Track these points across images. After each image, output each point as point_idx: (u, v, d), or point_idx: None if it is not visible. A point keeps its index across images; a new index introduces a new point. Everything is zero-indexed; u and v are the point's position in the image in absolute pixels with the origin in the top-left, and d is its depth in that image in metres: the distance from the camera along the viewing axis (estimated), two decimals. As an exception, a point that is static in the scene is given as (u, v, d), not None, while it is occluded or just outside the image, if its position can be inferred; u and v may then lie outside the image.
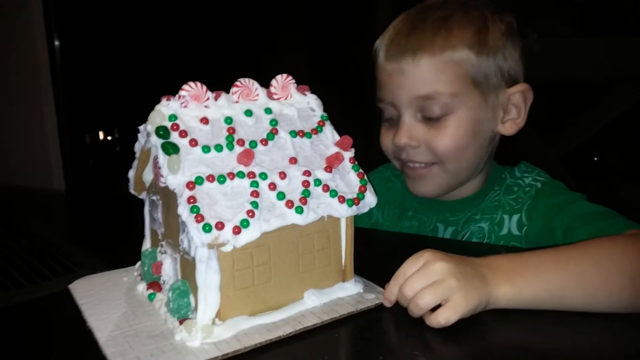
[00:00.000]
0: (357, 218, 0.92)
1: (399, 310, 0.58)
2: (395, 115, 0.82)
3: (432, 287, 0.54)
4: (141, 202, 0.66)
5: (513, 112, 0.81)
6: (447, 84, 0.77)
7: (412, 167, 0.83)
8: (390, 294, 0.58)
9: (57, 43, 2.49)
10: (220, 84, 0.61)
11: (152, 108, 0.56)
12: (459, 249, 0.60)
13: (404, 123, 0.80)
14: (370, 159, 0.61)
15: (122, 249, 0.74)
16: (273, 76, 0.63)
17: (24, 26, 2.45)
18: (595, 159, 1.67)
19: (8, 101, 2.46)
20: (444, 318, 0.53)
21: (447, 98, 0.77)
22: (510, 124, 0.82)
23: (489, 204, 0.85)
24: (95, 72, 2.55)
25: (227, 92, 0.60)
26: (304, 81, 0.66)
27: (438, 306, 0.54)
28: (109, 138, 2.74)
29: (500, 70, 0.79)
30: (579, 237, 0.70)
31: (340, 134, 0.63)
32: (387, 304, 0.59)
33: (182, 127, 0.54)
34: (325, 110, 0.65)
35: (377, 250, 0.74)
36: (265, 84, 0.63)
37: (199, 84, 0.57)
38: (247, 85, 0.60)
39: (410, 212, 0.91)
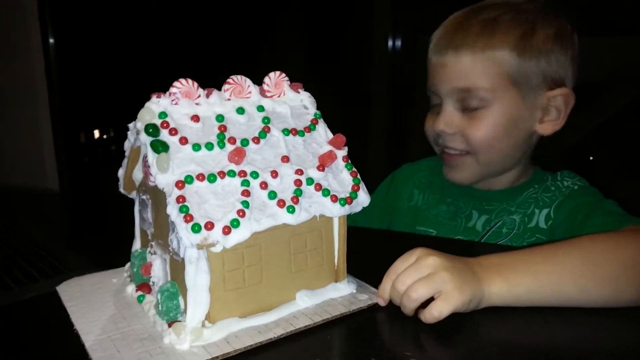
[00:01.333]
0: (396, 198, 0.98)
1: (392, 310, 0.57)
2: (438, 103, 0.86)
3: (424, 279, 0.54)
4: (132, 202, 0.65)
5: (553, 113, 0.83)
6: (485, 80, 0.80)
7: (447, 153, 0.87)
8: (383, 291, 0.57)
9: (51, 41, 2.47)
10: (216, 82, 0.60)
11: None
12: (453, 248, 0.59)
13: (444, 111, 0.84)
14: (363, 157, 0.60)
15: (112, 250, 0.73)
16: (270, 67, 0.62)
17: (18, 25, 2.43)
18: (592, 158, 1.67)
19: (2, 100, 2.44)
20: (437, 310, 0.52)
21: (484, 93, 0.81)
22: (548, 125, 0.84)
23: (526, 199, 0.87)
24: (90, 71, 2.54)
25: (220, 89, 0.59)
26: (300, 79, 0.65)
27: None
28: (104, 137, 2.73)
29: (542, 73, 0.81)
30: (589, 227, 0.72)
31: (335, 132, 0.62)
32: (381, 303, 0.58)
33: (172, 125, 0.53)
34: (320, 108, 0.64)
35: (370, 250, 0.73)
36: (260, 82, 0.62)
37: (190, 80, 0.56)
38: (240, 82, 0.59)
39: (450, 198, 0.94)
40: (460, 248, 0.60)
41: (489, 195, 0.90)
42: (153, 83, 0.60)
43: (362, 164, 0.63)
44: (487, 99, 0.81)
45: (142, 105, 0.55)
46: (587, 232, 0.68)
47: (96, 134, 2.72)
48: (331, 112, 0.64)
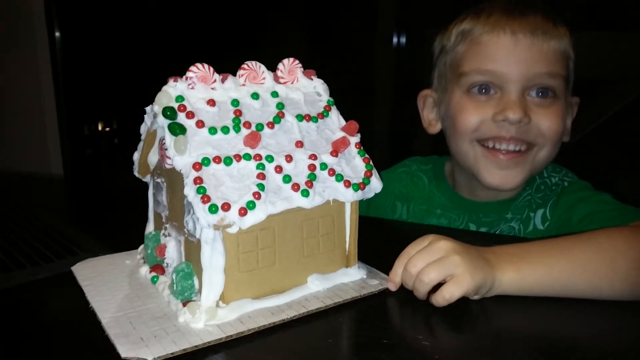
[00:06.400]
0: (379, 213, 0.93)
1: (403, 295, 0.58)
2: (494, 91, 0.79)
3: (436, 262, 0.55)
4: (142, 189, 0.65)
5: (568, 119, 0.84)
6: (561, 67, 0.78)
7: (502, 152, 0.79)
8: (394, 274, 0.58)
9: (57, 34, 2.48)
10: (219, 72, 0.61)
11: (151, 99, 0.56)
12: (463, 238, 0.60)
13: (514, 97, 0.77)
14: (367, 152, 0.60)
15: (124, 234, 0.74)
16: (273, 60, 0.63)
17: (24, 16, 2.44)
18: (595, 154, 1.67)
19: (8, 91, 2.45)
20: (448, 292, 0.53)
21: (560, 82, 0.78)
22: (566, 131, 0.84)
23: (521, 204, 0.85)
24: (95, 65, 2.54)
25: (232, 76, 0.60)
26: (305, 65, 0.65)
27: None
28: (107, 129, 2.73)
29: (573, 76, 0.82)
30: (594, 225, 0.71)
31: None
32: (392, 287, 0.58)
33: (189, 109, 0.54)
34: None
35: (381, 237, 0.73)
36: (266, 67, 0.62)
37: (206, 65, 0.57)
38: (254, 68, 0.60)
39: (439, 209, 0.90)
40: (473, 239, 0.60)
41: (485, 205, 0.86)
42: (156, 77, 0.61)
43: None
44: (559, 89, 0.78)
45: (145, 98, 0.56)
46: (592, 228, 0.67)
47: (99, 126, 2.73)
48: (334, 96, 0.65)
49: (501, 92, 0.79)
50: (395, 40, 2.31)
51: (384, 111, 2.36)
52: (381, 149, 2.34)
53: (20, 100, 2.44)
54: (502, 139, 0.78)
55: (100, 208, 1.00)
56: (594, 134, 1.68)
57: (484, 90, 0.80)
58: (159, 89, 0.56)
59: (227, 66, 0.62)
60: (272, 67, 0.63)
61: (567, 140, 0.85)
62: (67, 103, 2.50)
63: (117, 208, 0.97)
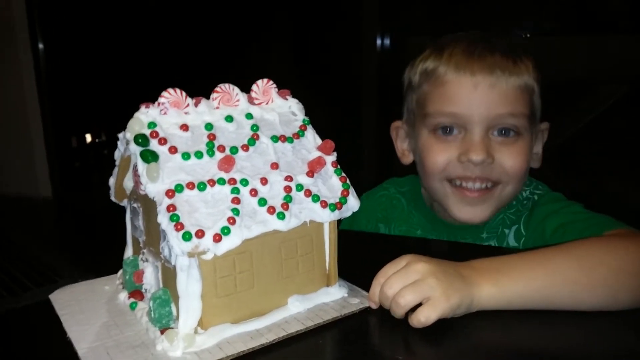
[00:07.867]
0: None
1: (383, 314, 0.57)
2: (457, 131, 0.81)
3: (412, 285, 0.55)
4: (123, 209, 0.65)
5: (537, 147, 0.85)
6: (524, 106, 0.79)
7: (469, 189, 0.81)
8: (373, 295, 0.58)
9: (41, 46, 2.46)
10: (205, 82, 0.61)
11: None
12: (445, 253, 0.60)
13: (477, 138, 0.79)
14: (355, 159, 0.61)
15: (105, 257, 0.73)
16: (261, 69, 0.62)
17: (7, 29, 2.42)
18: (581, 155, 1.68)
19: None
20: (424, 316, 0.53)
21: (522, 120, 0.79)
22: (536, 158, 0.85)
23: (494, 223, 0.86)
24: (80, 75, 2.53)
25: (208, 97, 0.60)
26: (289, 81, 0.65)
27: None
28: (96, 141, 2.72)
29: (540, 106, 0.83)
30: (567, 236, 0.72)
31: (326, 134, 0.63)
32: (373, 306, 0.58)
33: (161, 135, 0.54)
34: (310, 110, 0.64)
35: (361, 254, 0.73)
36: (249, 85, 0.62)
37: (178, 90, 0.57)
38: (228, 90, 0.60)
39: (419, 230, 0.92)
40: (453, 253, 0.60)
41: (462, 228, 0.87)
42: (144, 86, 0.60)
43: (353, 165, 0.63)
44: (522, 126, 0.79)
45: (133, 108, 0.56)
46: (565, 240, 0.67)
47: (88, 138, 2.71)
48: (321, 113, 0.65)
49: (465, 133, 0.80)
50: (379, 43, 2.32)
51: (371, 114, 2.36)
52: (369, 152, 2.34)
53: (3, 113, 2.42)
54: (468, 178, 0.80)
55: (82, 229, 1.00)
56: (582, 135, 1.69)
57: (448, 131, 0.81)
58: (147, 98, 0.55)
59: (213, 72, 0.62)
60: (260, 77, 0.62)
61: (538, 167, 0.86)
62: (53, 115, 2.48)
63: (102, 228, 0.96)
